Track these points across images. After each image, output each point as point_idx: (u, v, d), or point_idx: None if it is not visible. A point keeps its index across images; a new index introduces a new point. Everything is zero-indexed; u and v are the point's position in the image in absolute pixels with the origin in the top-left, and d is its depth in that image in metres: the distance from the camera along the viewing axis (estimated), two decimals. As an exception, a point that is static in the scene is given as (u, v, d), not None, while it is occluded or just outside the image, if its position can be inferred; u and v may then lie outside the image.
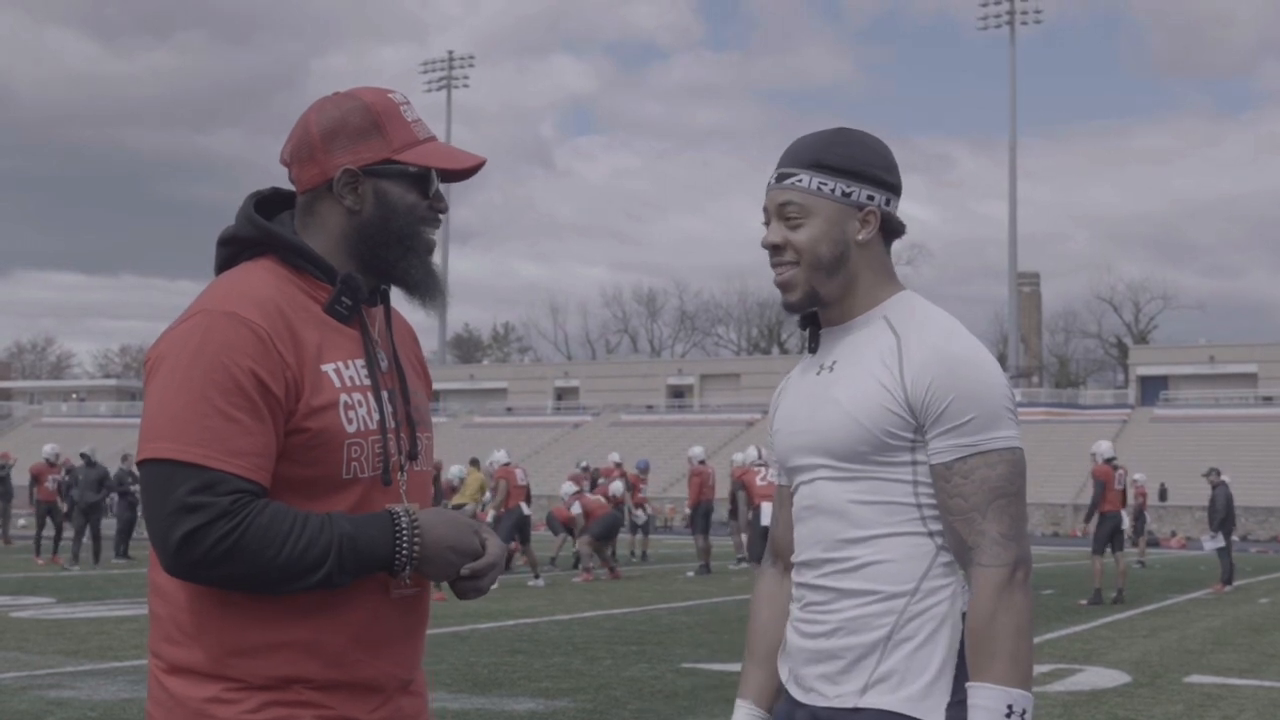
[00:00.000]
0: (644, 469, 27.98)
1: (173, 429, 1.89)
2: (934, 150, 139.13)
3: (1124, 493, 17.42)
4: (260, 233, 2.08)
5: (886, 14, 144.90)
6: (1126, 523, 17.27)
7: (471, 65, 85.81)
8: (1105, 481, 16.92)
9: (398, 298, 2.20)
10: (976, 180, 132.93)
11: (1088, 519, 17.33)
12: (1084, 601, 16.63)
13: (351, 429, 2.00)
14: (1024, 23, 73.37)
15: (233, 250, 2.11)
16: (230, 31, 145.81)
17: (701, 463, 23.17)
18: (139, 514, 24.22)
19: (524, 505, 19.13)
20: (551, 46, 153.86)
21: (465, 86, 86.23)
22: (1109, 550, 17.09)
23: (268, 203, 2.16)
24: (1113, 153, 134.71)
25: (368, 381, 2.05)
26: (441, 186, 2.15)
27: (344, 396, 2.01)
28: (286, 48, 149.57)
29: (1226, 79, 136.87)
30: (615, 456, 27.41)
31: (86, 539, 21.69)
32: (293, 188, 2.16)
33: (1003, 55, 74.34)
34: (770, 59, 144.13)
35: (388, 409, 2.07)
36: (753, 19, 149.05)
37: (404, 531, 1.97)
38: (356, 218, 2.08)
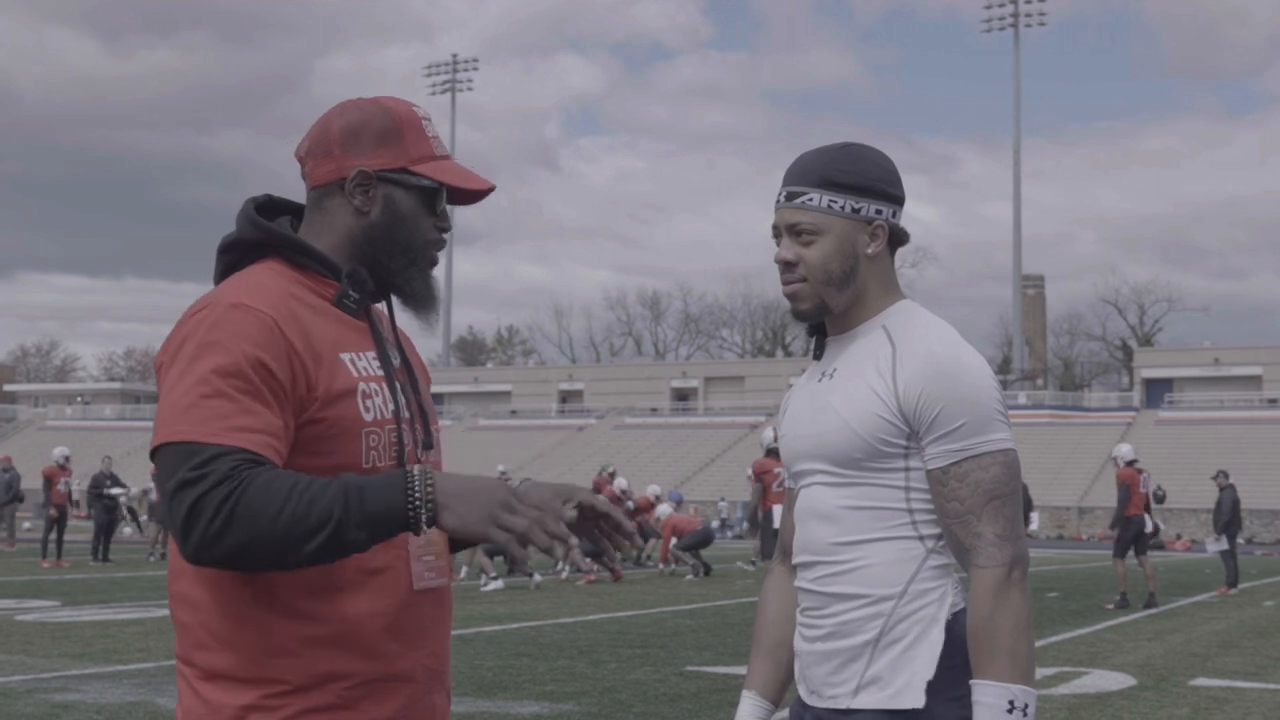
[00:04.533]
0: (678, 502, 28.04)
1: (175, 414, 1.89)
2: (939, 151, 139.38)
3: (1148, 496, 17.19)
4: (263, 233, 2.09)
5: (893, 15, 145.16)
6: (1149, 526, 17.07)
7: (475, 68, 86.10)
8: (1130, 485, 16.72)
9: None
10: (982, 182, 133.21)
11: (1114, 524, 17.10)
12: (1110, 605, 16.56)
13: (369, 417, 2.02)
14: (1028, 25, 73.46)
15: (234, 257, 2.13)
16: (233, 31, 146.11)
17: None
18: (116, 516, 24.24)
19: None
20: (558, 46, 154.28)
21: (469, 89, 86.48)
22: (1132, 553, 16.98)
23: (263, 209, 2.18)
24: (1118, 155, 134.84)
25: (380, 372, 2.08)
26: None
27: (362, 385, 2.02)
28: (290, 48, 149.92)
29: (1232, 80, 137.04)
30: (655, 489, 27.71)
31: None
32: (290, 195, 2.21)
33: (1008, 56, 74.37)
34: (776, 60, 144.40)
35: (401, 399, 2.09)
36: (759, 20, 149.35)
37: (415, 479, 1.85)
38: (363, 220, 2.11)
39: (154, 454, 1.92)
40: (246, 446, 1.86)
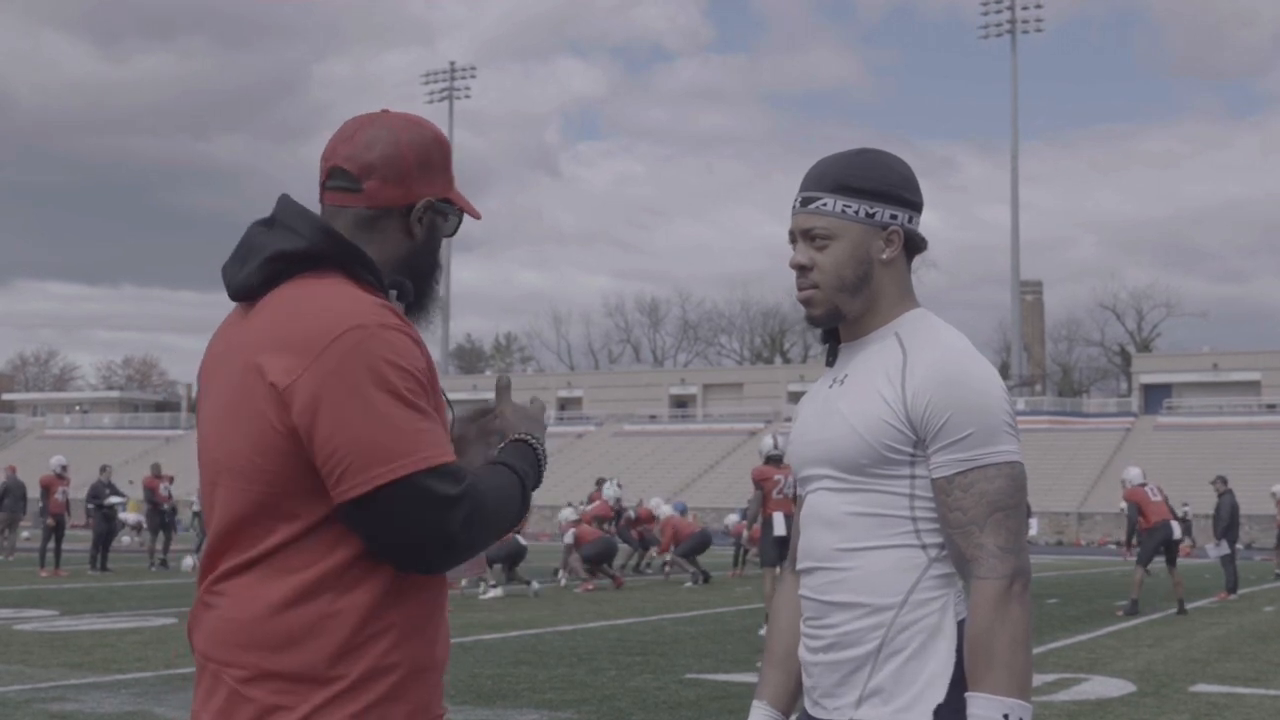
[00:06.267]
0: (682, 511, 28.10)
1: (408, 441, 1.93)
2: (939, 154, 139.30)
3: (1166, 503, 17.22)
4: (336, 247, 2.06)
5: (893, 18, 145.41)
6: (1178, 532, 17.03)
7: (473, 76, 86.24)
8: (1138, 501, 16.89)
9: None
10: (981, 185, 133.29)
11: (1129, 544, 17.45)
12: (1120, 611, 16.61)
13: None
14: (1025, 31, 73.53)
15: (285, 265, 2.05)
16: (231, 36, 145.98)
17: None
18: (115, 526, 24.21)
19: None
20: (558, 49, 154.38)
21: (467, 97, 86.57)
22: (1164, 563, 17.14)
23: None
24: (1118, 157, 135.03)
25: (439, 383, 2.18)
26: None
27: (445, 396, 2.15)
28: (288, 53, 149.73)
29: (1232, 81, 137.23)
30: (659, 501, 27.92)
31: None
32: (307, 196, 2.22)
33: (1008, 60, 74.39)
34: (776, 62, 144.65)
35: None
36: (759, 21, 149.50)
37: (542, 459, 2.21)
38: (410, 242, 2.18)
39: (391, 485, 1.90)
40: (455, 458, 2.01)
